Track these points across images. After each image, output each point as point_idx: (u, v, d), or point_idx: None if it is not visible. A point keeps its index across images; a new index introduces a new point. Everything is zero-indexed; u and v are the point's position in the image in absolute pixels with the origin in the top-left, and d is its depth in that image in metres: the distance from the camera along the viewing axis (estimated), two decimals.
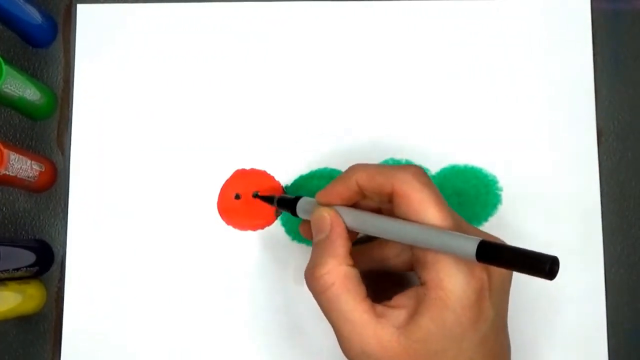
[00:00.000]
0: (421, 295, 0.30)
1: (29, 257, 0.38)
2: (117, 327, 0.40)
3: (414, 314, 0.30)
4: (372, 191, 0.33)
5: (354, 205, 0.34)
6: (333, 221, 0.33)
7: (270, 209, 0.40)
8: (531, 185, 0.40)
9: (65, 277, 0.40)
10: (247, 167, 0.41)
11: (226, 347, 0.39)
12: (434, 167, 0.40)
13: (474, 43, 0.41)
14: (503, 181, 0.40)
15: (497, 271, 0.31)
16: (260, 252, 0.40)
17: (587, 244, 0.40)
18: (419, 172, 0.32)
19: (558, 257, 0.26)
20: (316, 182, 0.40)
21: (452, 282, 0.30)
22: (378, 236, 0.32)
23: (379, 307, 0.31)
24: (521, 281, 0.38)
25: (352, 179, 0.33)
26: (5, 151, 0.35)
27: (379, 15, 0.42)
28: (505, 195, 0.40)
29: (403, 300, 0.31)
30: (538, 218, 0.40)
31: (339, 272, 0.31)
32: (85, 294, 0.40)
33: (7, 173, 0.36)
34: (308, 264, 0.33)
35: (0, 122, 0.42)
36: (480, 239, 0.28)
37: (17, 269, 0.37)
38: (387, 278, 0.35)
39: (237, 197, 0.40)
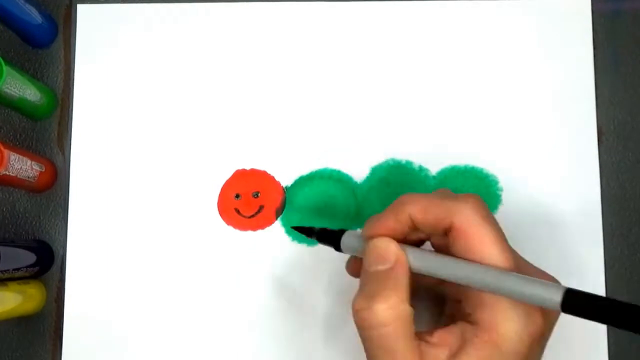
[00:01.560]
0: (469, 334, 0.29)
1: (29, 257, 0.38)
2: (117, 327, 0.40)
3: (458, 353, 0.28)
4: (428, 225, 0.30)
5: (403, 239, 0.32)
6: (399, 254, 0.30)
7: (270, 209, 0.40)
8: (531, 186, 0.40)
9: (65, 277, 0.40)
10: (247, 167, 0.41)
11: (226, 347, 0.39)
12: (434, 167, 0.40)
13: (474, 43, 0.41)
14: (503, 181, 0.40)
15: (553, 318, 0.29)
16: (260, 252, 0.40)
17: (587, 244, 0.40)
18: (480, 204, 0.30)
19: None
20: (316, 182, 0.40)
21: (508, 327, 0.28)
22: (440, 277, 0.30)
23: (423, 345, 0.29)
24: None
25: (404, 213, 0.31)
26: (5, 151, 0.35)
27: (379, 16, 0.42)
28: (505, 196, 0.40)
29: (447, 338, 0.29)
30: (538, 218, 0.40)
31: (400, 311, 0.29)
32: (85, 294, 0.40)
33: (7, 173, 0.36)
34: (359, 293, 0.30)
35: (0, 122, 0.42)
36: (567, 287, 0.26)
37: (17, 269, 0.37)
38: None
39: (237, 197, 0.40)
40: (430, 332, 0.30)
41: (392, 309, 0.29)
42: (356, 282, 0.39)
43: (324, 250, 0.39)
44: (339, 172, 0.40)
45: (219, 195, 0.41)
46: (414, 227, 0.31)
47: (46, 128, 0.42)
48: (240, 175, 0.41)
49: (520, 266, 0.30)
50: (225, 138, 0.41)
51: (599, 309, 0.24)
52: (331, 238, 0.34)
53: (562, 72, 0.41)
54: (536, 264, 0.38)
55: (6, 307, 0.37)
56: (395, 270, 0.30)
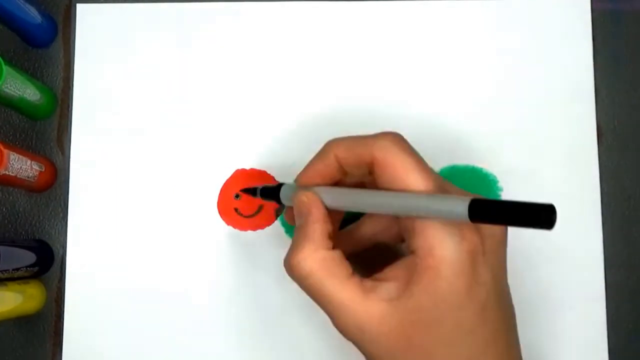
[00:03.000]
0: (412, 265, 0.29)
1: (29, 257, 0.38)
2: (117, 327, 0.40)
3: (405, 285, 0.29)
4: (352, 164, 0.31)
5: (337, 184, 0.33)
6: (311, 204, 0.31)
7: (270, 209, 0.40)
8: (531, 185, 0.40)
9: (65, 277, 0.40)
10: (247, 167, 0.41)
11: (226, 346, 0.39)
12: (433, 167, 0.40)
13: (474, 43, 0.41)
14: (503, 181, 0.40)
15: (490, 232, 0.30)
16: (260, 252, 0.40)
17: (587, 244, 0.40)
18: (398, 137, 0.31)
19: (554, 205, 0.25)
20: None
21: (442, 247, 0.28)
22: (362, 211, 0.31)
23: (368, 282, 0.30)
24: (522, 282, 0.38)
25: (329, 155, 0.32)
26: (5, 151, 0.35)
27: (379, 16, 0.42)
28: (505, 195, 0.40)
29: (393, 272, 0.30)
30: None
31: (315, 257, 0.30)
32: (85, 294, 0.40)
33: (7, 173, 0.36)
34: (287, 252, 0.32)
35: (0, 122, 0.42)
36: (471, 197, 0.26)
37: (17, 269, 0.37)
38: (380, 253, 0.34)
39: (237, 197, 0.40)
40: (381, 271, 0.31)
41: (307, 259, 0.30)
42: None
43: None
44: None
45: (219, 195, 0.41)
46: (343, 170, 0.32)
47: (46, 128, 0.42)
48: (240, 175, 0.41)
49: (446, 189, 0.30)
50: (225, 138, 0.41)
51: (501, 213, 0.26)
52: (272, 193, 0.35)
53: (562, 72, 0.41)
54: (536, 264, 0.38)
55: (6, 307, 0.37)
56: (307, 222, 0.31)
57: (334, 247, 0.31)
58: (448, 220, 0.28)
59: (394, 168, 0.30)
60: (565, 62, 0.41)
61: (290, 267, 0.31)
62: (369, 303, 0.29)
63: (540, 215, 0.25)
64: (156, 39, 0.42)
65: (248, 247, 0.40)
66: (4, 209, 0.41)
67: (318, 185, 0.33)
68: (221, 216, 0.40)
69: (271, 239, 0.40)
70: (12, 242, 0.39)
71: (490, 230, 0.30)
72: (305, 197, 0.32)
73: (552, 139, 0.40)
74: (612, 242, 0.40)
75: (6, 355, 0.40)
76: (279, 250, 0.40)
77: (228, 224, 0.40)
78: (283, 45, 0.42)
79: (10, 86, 0.36)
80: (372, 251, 0.34)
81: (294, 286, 0.40)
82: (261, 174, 0.41)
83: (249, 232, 0.40)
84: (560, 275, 0.40)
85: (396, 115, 0.41)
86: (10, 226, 0.41)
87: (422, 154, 0.40)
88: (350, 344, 0.39)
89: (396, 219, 0.32)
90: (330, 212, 0.32)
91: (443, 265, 0.28)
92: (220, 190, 0.41)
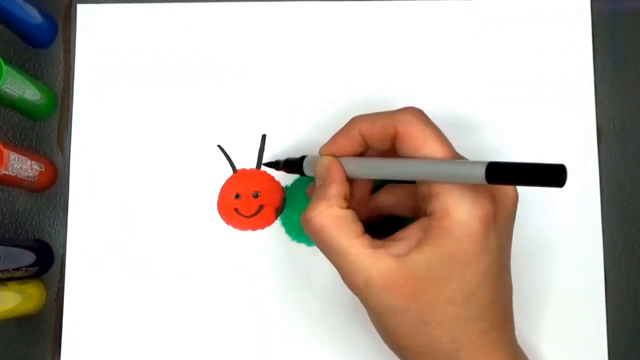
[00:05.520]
0: (425, 225, 0.31)
1: (29, 257, 0.38)
2: (117, 327, 0.40)
3: (417, 244, 0.30)
4: (376, 137, 0.33)
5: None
6: (330, 167, 0.33)
7: (270, 209, 0.40)
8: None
9: (65, 277, 0.40)
10: (247, 167, 0.41)
11: (226, 346, 0.39)
12: None
13: (474, 43, 0.41)
14: None
15: (503, 202, 0.31)
16: (260, 252, 0.40)
17: (587, 244, 0.40)
18: (419, 111, 0.33)
19: (565, 165, 0.26)
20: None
21: (457, 210, 0.30)
22: (383, 178, 0.33)
23: (378, 241, 0.31)
24: (522, 282, 0.38)
25: (354, 129, 0.34)
26: (5, 151, 0.35)
27: (379, 16, 0.42)
28: None
29: (406, 233, 0.31)
30: (538, 218, 0.40)
31: (329, 213, 0.32)
32: (85, 294, 0.40)
33: (7, 173, 0.36)
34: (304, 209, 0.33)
35: (0, 122, 0.42)
36: (488, 161, 0.28)
37: (17, 269, 0.37)
38: (393, 225, 0.35)
39: (237, 196, 0.40)
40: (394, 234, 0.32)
41: (320, 214, 0.32)
42: None
43: None
44: None
45: (219, 195, 0.41)
46: (365, 144, 0.34)
47: (46, 128, 0.42)
48: (240, 175, 0.41)
49: (461, 157, 0.32)
50: (225, 138, 0.41)
51: (515, 173, 0.27)
52: (294, 165, 0.37)
53: (562, 72, 0.41)
54: (536, 263, 0.38)
55: (6, 307, 0.37)
56: (325, 182, 0.33)
57: (346, 208, 0.33)
58: (465, 186, 0.30)
59: (415, 138, 0.31)
60: (565, 62, 0.41)
61: (305, 221, 0.32)
62: (377, 257, 0.31)
63: (552, 174, 0.26)
64: (156, 39, 0.42)
65: (248, 247, 0.40)
66: (4, 209, 0.41)
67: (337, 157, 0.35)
68: (221, 216, 0.40)
69: (271, 239, 0.40)
70: (12, 242, 0.39)
71: (503, 200, 0.32)
72: (327, 161, 0.34)
73: (552, 138, 0.40)
74: (612, 242, 0.40)
75: (6, 355, 0.40)
76: (279, 250, 0.40)
77: (228, 224, 0.40)
78: (283, 45, 0.42)
79: (10, 86, 0.36)
80: (385, 223, 0.35)
81: (294, 286, 0.40)
82: (261, 173, 0.41)
83: (249, 231, 0.40)
84: (561, 275, 0.40)
85: None
86: (10, 226, 0.41)
87: None
88: (352, 345, 0.39)
89: (413, 192, 0.34)
90: (358, 182, 0.35)
91: (456, 226, 0.30)
92: (220, 190, 0.41)
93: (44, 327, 0.40)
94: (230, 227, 0.40)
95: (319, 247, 0.32)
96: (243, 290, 0.40)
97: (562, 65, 0.41)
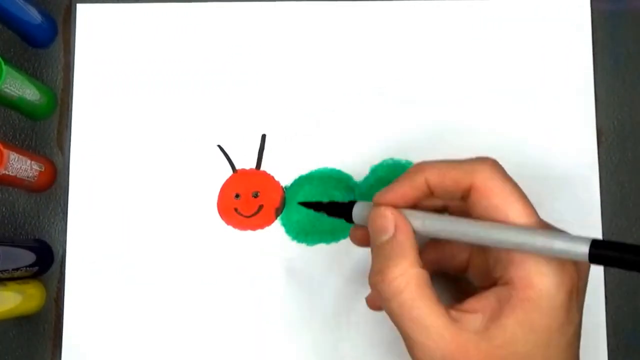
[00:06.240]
0: (505, 296, 0.28)
1: (28, 257, 0.38)
2: (117, 327, 0.40)
3: (495, 317, 0.28)
4: (445, 189, 0.30)
5: (414, 207, 0.31)
6: (397, 220, 0.30)
7: (270, 209, 0.40)
8: (531, 185, 0.40)
9: (65, 277, 0.40)
10: (247, 167, 0.41)
11: (226, 346, 0.39)
12: None
13: (474, 43, 0.41)
14: None
15: (584, 269, 0.29)
16: (260, 252, 0.40)
17: None
18: (497, 164, 0.30)
19: None
20: (316, 182, 0.40)
21: (543, 281, 0.27)
22: (455, 239, 0.29)
23: (453, 312, 0.28)
24: None
25: (420, 177, 0.30)
26: (5, 151, 0.35)
27: (379, 16, 0.42)
28: None
29: (480, 304, 0.28)
30: None
31: (411, 275, 0.28)
32: (85, 294, 0.40)
33: (7, 173, 0.36)
34: (372, 269, 0.30)
35: (0, 122, 0.42)
36: (592, 237, 0.26)
37: (17, 269, 0.37)
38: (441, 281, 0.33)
39: (237, 196, 0.40)
40: (460, 303, 0.29)
41: (402, 275, 0.28)
42: (355, 279, 0.39)
43: (324, 250, 0.39)
44: (338, 171, 0.40)
45: (219, 195, 0.41)
46: (429, 194, 0.31)
47: (46, 128, 0.42)
48: (240, 175, 0.41)
49: (544, 222, 0.29)
50: (225, 138, 0.41)
51: (624, 257, 0.25)
52: (342, 210, 0.34)
53: (562, 72, 0.41)
54: None
55: (6, 307, 0.37)
56: (398, 238, 0.29)
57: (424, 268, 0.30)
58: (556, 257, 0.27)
59: (495, 197, 0.28)
60: (565, 62, 0.41)
61: (384, 284, 0.29)
62: (456, 332, 0.28)
63: None
64: (156, 39, 0.42)
65: (248, 247, 0.40)
66: (4, 209, 0.41)
67: (397, 207, 0.31)
68: (221, 216, 0.40)
69: (271, 239, 0.40)
70: (12, 242, 0.39)
71: (584, 267, 0.29)
72: (390, 212, 0.30)
73: (552, 139, 0.40)
74: None
75: (6, 355, 0.40)
76: (278, 250, 0.40)
77: (228, 224, 0.40)
78: (283, 45, 0.42)
79: (10, 86, 0.36)
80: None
81: (294, 286, 0.40)
82: (261, 173, 0.41)
83: (249, 231, 0.40)
84: None
85: (396, 115, 0.41)
86: (10, 226, 0.41)
87: (422, 154, 0.41)
88: (352, 345, 0.39)
89: (466, 248, 0.32)
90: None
91: (543, 299, 0.27)
92: (220, 190, 0.41)
93: (44, 327, 0.40)
94: (230, 227, 0.40)
95: (390, 310, 0.29)
96: (243, 290, 0.40)
97: (562, 65, 0.41)
